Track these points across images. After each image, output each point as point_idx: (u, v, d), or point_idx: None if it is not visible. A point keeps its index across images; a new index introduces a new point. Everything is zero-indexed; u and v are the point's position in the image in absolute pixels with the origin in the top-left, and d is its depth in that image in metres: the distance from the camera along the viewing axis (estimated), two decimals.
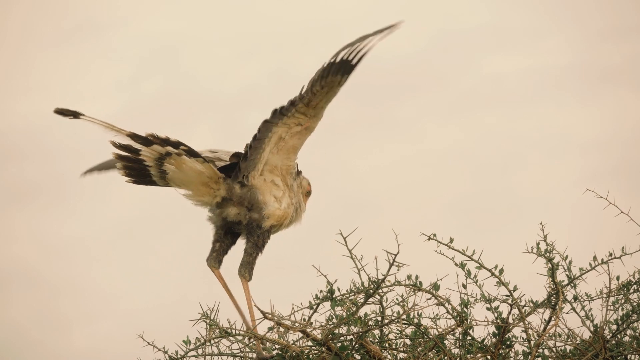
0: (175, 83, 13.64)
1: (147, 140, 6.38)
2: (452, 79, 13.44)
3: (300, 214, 6.77)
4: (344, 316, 6.17)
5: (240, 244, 6.71)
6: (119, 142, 6.38)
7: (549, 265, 6.40)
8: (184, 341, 6.19)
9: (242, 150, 6.70)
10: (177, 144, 6.39)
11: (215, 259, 6.63)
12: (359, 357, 6.25)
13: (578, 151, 12.65)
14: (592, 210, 6.53)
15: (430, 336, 6.31)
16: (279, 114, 6.38)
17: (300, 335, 6.21)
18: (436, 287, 6.33)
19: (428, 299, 6.34)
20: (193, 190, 6.56)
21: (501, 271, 6.37)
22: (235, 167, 6.61)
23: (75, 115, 6.31)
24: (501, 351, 6.34)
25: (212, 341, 6.16)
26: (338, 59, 6.21)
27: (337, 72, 6.23)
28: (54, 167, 12.19)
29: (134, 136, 6.36)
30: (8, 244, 12.22)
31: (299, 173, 6.77)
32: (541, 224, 6.39)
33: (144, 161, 6.42)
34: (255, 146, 6.48)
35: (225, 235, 6.67)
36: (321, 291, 6.32)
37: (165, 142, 6.39)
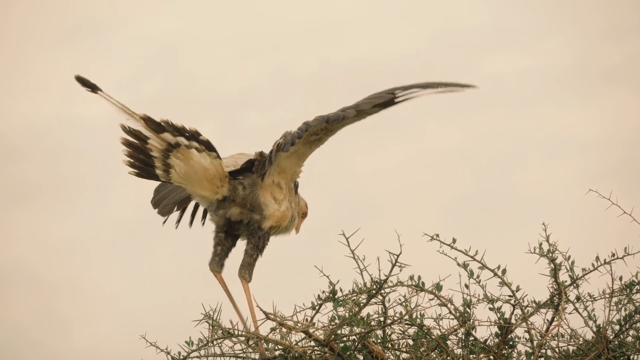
0: (175, 83, 13.63)
1: (160, 127, 6.24)
2: (452, 79, 13.41)
3: (292, 223, 6.71)
4: (347, 317, 6.16)
5: (240, 246, 6.69)
6: (129, 127, 6.28)
7: (552, 265, 6.38)
8: (186, 342, 6.18)
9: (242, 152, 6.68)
10: (192, 135, 6.28)
11: (218, 263, 6.60)
12: (361, 358, 6.24)
13: (578, 151, 12.64)
14: (594, 211, 6.52)
15: (433, 336, 6.30)
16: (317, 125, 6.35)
17: (303, 335, 6.20)
18: (439, 287, 6.32)
19: (430, 300, 6.33)
20: (196, 183, 6.47)
21: (504, 271, 6.36)
22: (243, 172, 6.58)
23: (93, 88, 6.20)
24: (504, 351, 6.33)
25: (215, 342, 6.15)
26: (390, 99, 6.25)
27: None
28: (54, 167, 12.19)
29: (147, 120, 6.22)
30: (8, 244, 12.21)
31: (296, 190, 6.72)
32: (544, 224, 6.39)
33: (150, 151, 6.34)
34: (286, 149, 6.37)
35: (226, 238, 6.64)
36: (323, 292, 6.30)
37: (179, 131, 6.28)
